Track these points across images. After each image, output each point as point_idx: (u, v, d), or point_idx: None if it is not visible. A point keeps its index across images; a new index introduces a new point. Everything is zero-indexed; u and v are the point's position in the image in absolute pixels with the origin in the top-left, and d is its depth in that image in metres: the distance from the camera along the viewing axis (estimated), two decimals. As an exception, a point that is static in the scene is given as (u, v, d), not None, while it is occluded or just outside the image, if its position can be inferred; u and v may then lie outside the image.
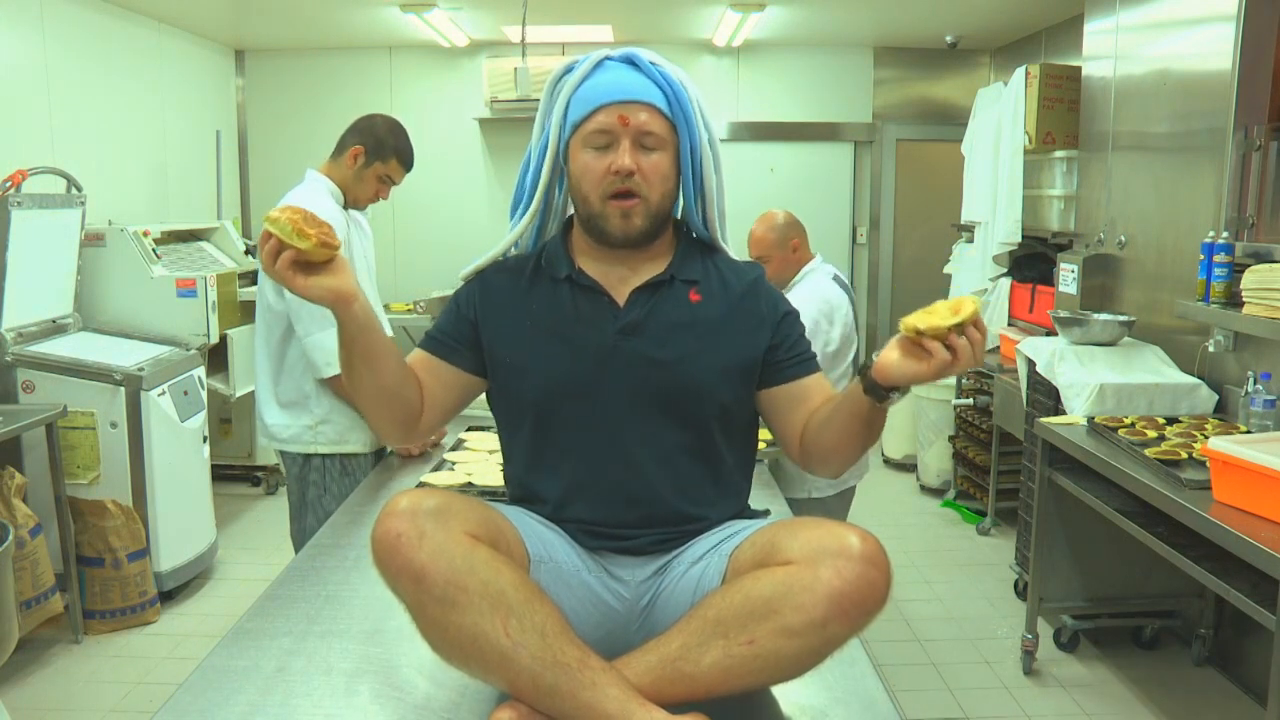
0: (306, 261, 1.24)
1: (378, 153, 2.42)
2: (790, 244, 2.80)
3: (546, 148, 1.42)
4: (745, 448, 1.47)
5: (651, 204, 1.36)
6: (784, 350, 1.42)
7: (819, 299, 2.72)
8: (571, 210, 1.47)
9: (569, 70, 1.40)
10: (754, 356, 1.41)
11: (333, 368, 2.32)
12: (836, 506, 2.84)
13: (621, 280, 1.41)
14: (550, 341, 1.38)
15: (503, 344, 1.41)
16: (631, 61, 1.37)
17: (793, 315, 1.46)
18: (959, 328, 1.15)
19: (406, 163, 2.48)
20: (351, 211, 2.54)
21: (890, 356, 1.19)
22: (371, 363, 1.32)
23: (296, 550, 2.49)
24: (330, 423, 2.42)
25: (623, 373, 1.36)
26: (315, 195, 2.39)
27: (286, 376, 2.41)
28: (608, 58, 1.39)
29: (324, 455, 2.46)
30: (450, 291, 2.83)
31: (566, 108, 1.38)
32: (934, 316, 1.16)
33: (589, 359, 1.36)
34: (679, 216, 1.49)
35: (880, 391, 1.22)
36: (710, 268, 1.45)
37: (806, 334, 1.49)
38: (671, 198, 1.40)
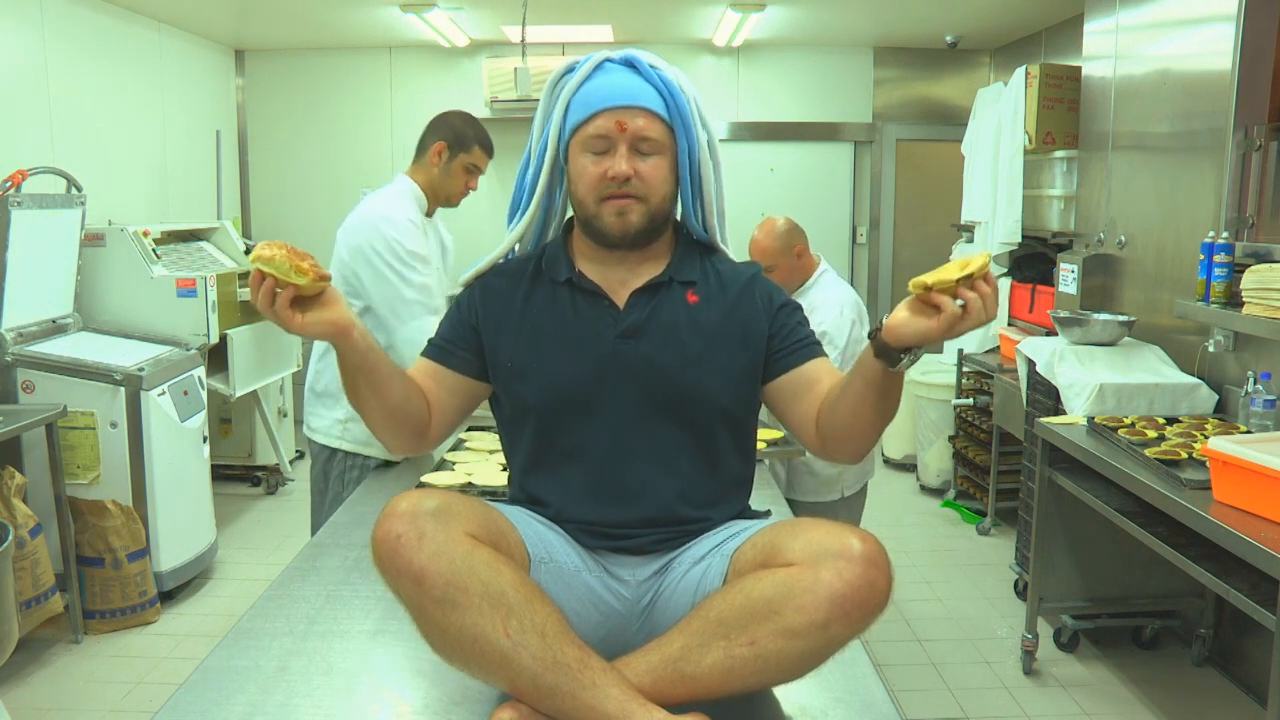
0: (300, 296, 1.23)
1: (460, 144, 2.45)
2: (794, 250, 2.76)
3: (546, 149, 1.42)
4: (746, 448, 1.47)
5: (650, 205, 1.36)
6: (781, 339, 1.41)
7: (849, 303, 2.71)
8: (571, 212, 1.47)
9: (570, 71, 1.40)
10: (754, 355, 1.41)
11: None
12: (857, 503, 2.87)
13: (621, 282, 1.41)
14: (551, 345, 1.38)
15: (503, 347, 1.41)
16: (631, 64, 1.37)
17: (790, 305, 1.46)
18: (968, 280, 1.14)
19: (488, 149, 2.52)
20: (436, 222, 2.56)
21: (900, 315, 1.19)
22: (376, 386, 1.32)
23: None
24: (357, 421, 2.41)
25: (623, 376, 1.36)
26: (401, 201, 2.39)
27: (325, 366, 2.42)
28: (608, 59, 1.38)
29: (348, 452, 2.46)
30: (450, 291, 2.82)
31: (566, 110, 1.38)
32: (943, 273, 1.15)
33: (589, 362, 1.36)
34: (679, 219, 1.49)
35: (892, 354, 1.20)
36: (709, 269, 1.45)
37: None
38: (670, 200, 1.40)
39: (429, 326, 2.27)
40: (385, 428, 1.38)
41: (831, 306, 2.67)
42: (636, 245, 1.39)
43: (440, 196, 2.50)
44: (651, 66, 1.37)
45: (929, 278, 1.15)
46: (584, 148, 1.36)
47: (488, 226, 5.82)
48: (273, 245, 1.20)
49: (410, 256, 2.30)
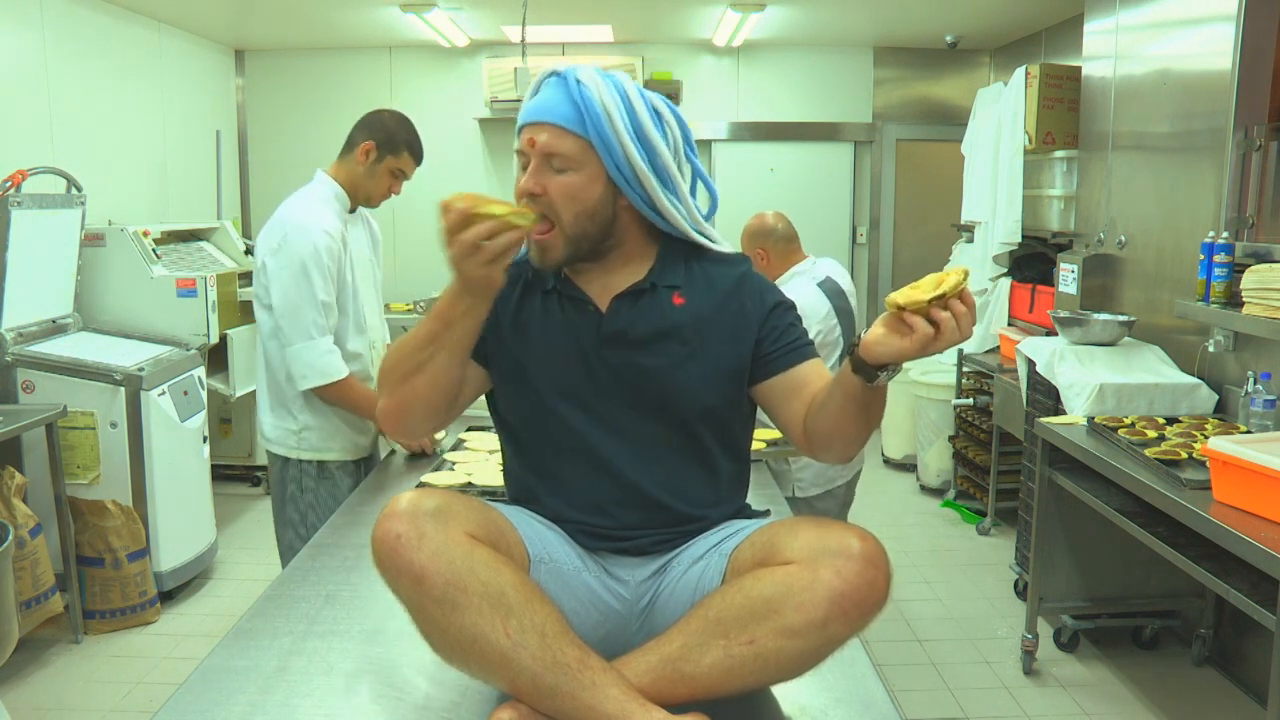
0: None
1: (389, 147, 2.38)
2: (755, 251, 2.74)
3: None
4: (741, 448, 1.47)
5: (565, 225, 1.34)
6: (771, 342, 1.41)
7: (807, 309, 2.69)
8: None
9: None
10: (741, 356, 1.40)
11: (309, 380, 2.30)
12: (823, 505, 2.83)
13: (605, 288, 1.40)
14: (539, 351, 1.38)
15: (498, 352, 1.41)
16: (564, 78, 1.36)
17: (783, 305, 1.45)
18: (941, 301, 1.13)
19: (417, 155, 2.45)
20: (364, 212, 2.53)
21: (875, 333, 1.18)
22: (456, 358, 1.31)
23: (280, 548, 2.49)
24: (313, 430, 2.40)
25: (610, 381, 1.36)
26: (318, 201, 2.36)
27: (273, 379, 2.41)
28: (554, 73, 1.38)
29: (302, 460, 2.43)
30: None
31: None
32: (917, 291, 1.14)
33: (576, 368, 1.36)
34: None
35: (868, 370, 1.20)
36: (695, 270, 1.43)
37: None
38: (595, 217, 1.36)
39: (324, 347, 2.27)
40: (428, 402, 1.35)
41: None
42: (575, 263, 1.39)
43: (361, 195, 2.43)
44: (578, 81, 1.34)
45: (901, 297, 1.14)
46: (518, 164, 1.38)
47: (488, 226, 5.85)
48: (485, 197, 1.17)
49: (319, 271, 2.25)
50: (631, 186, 1.36)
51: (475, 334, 1.29)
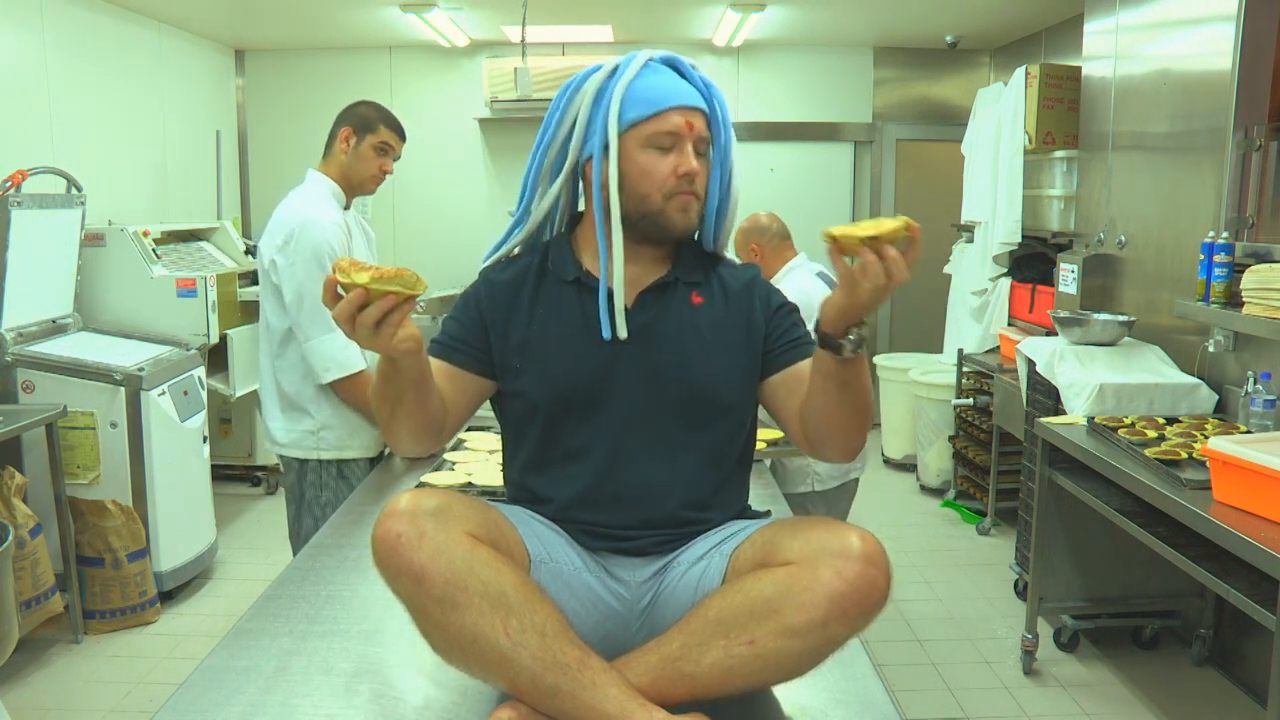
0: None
1: (365, 127, 2.42)
2: (749, 248, 2.83)
3: (569, 144, 1.38)
4: (747, 448, 1.47)
5: (702, 204, 1.40)
6: (775, 339, 1.42)
7: (796, 292, 2.72)
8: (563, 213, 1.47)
9: (616, 70, 1.37)
10: (754, 356, 1.41)
11: (331, 373, 2.31)
12: (838, 499, 2.85)
13: (628, 281, 1.40)
14: (557, 344, 1.38)
15: (510, 346, 1.40)
16: (675, 66, 1.39)
17: (787, 307, 1.47)
18: (875, 242, 1.11)
19: (396, 128, 2.47)
20: (354, 215, 2.53)
21: (827, 296, 1.21)
22: (424, 397, 1.29)
23: (295, 552, 2.48)
24: (331, 428, 2.40)
25: (630, 375, 1.36)
26: (316, 197, 2.37)
27: (286, 382, 2.41)
28: (652, 59, 1.38)
29: (322, 460, 2.43)
30: (451, 291, 2.78)
31: (620, 106, 1.34)
32: (854, 228, 1.12)
33: (596, 361, 1.36)
34: None
35: (832, 341, 1.22)
36: (711, 271, 1.46)
37: None
38: None
39: (344, 339, 2.23)
40: (413, 435, 1.34)
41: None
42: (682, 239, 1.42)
43: (354, 185, 2.44)
44: (692, 67, 1.40)
45: (837, 230, 1.13)
46: (647, 144, 1.34)
47: (488, 223, 5.84)
48: (361, 263, 1.10)
49: (331, 260, 2.23)
50: (722, 175, 1.41)
51: (425, 369, 1.27)
